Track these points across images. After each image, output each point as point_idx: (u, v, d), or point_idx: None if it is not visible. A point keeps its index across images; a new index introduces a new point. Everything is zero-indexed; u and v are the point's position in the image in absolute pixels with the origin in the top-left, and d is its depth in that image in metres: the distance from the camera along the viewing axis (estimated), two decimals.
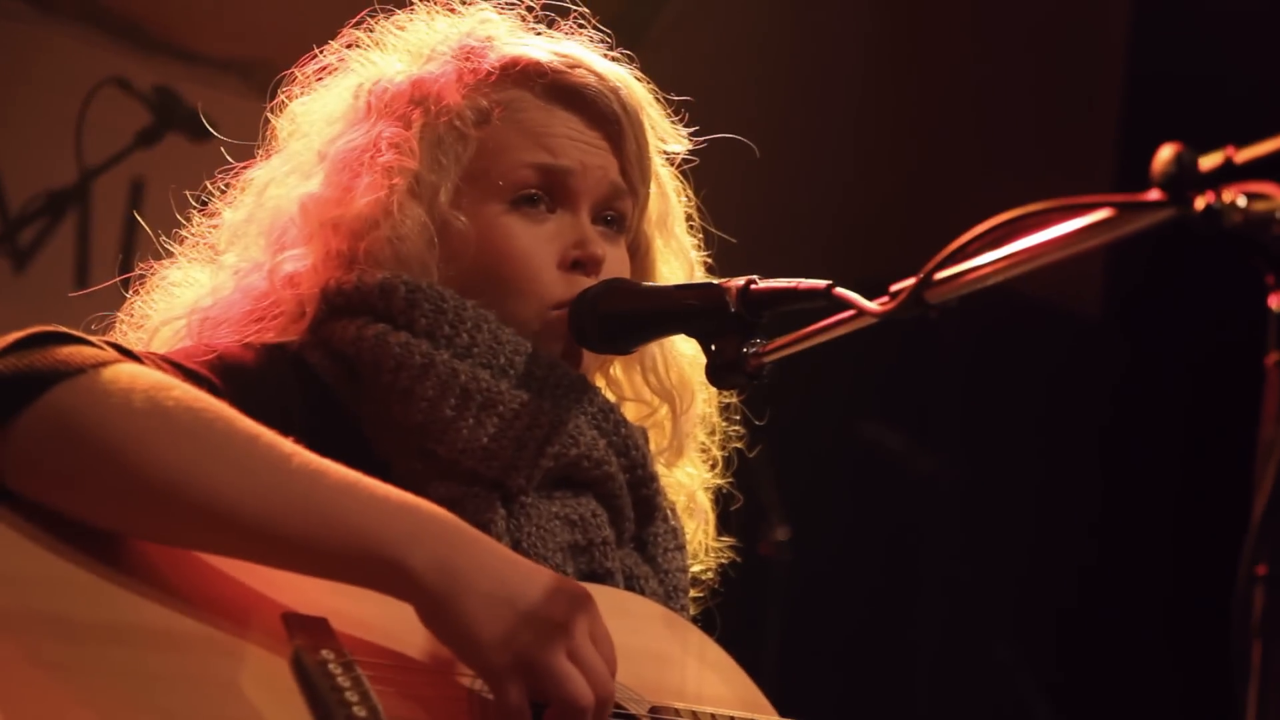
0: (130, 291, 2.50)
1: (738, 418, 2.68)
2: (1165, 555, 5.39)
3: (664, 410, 2.60)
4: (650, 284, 2.52)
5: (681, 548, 2.51)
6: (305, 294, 2.36)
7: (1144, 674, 5.35)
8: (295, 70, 2.54)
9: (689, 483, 2.62)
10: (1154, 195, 1.70)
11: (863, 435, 5.44)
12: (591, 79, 2.45)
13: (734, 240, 2.67)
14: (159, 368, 2.09)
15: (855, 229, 5.74)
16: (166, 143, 5.22)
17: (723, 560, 2.66)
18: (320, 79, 2.53)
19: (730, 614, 2.67)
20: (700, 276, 2.61)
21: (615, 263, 2.46)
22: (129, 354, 2.04)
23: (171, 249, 2.53)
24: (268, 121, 2.54)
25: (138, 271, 2.50)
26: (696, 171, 2.63)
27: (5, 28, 5.32)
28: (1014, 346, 5.49)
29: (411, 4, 2.57)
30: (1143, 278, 5.38)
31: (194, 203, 2.54)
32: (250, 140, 2.57)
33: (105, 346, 2.01)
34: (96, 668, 1.89)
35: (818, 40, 5.86)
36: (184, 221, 2.53)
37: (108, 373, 1.96)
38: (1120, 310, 5.67)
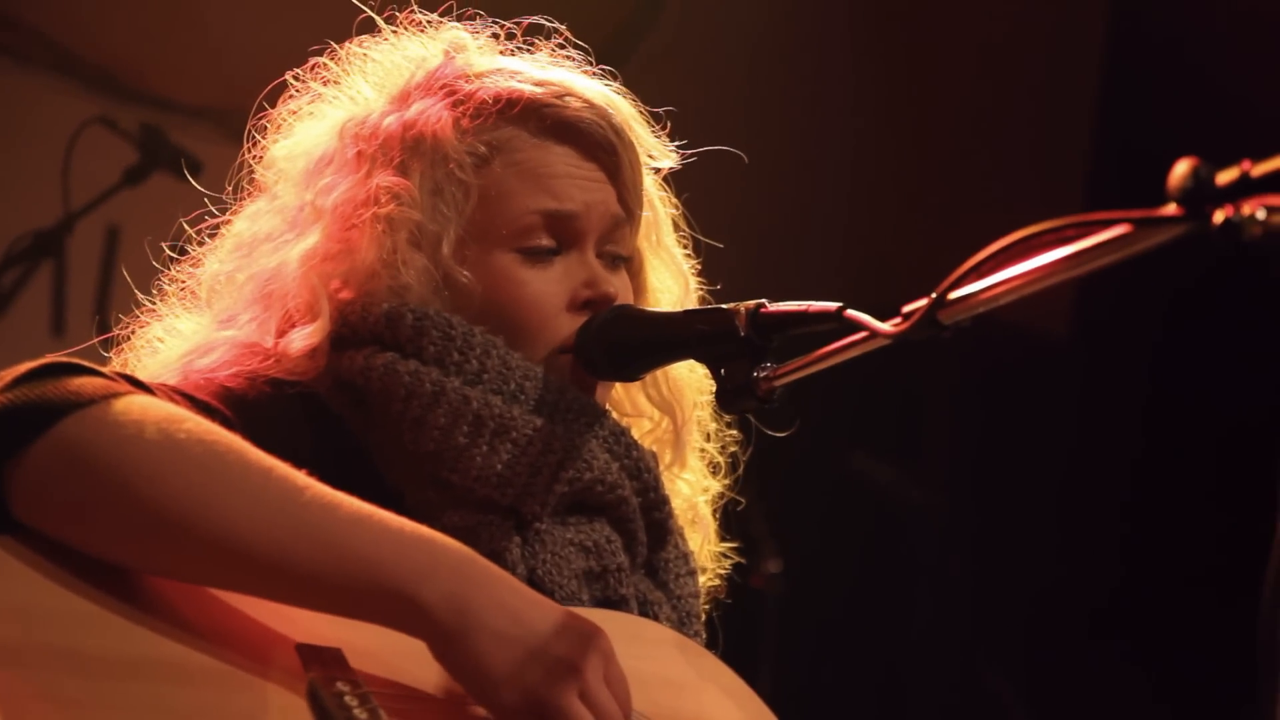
0: (110, 352, 2.46)
1: (729, 420, 2.67)
2: (1156, 583, 5.40)
3: (666, 423, 2.59)
4: (658, 310, 2.51)
5: (693, 573, 2.50)
6: (320, 361, 2.32)
7: (1136, 703, 5.36)
8: (269, 111, 2.50)
9: (689, 492, 2.61)
10: (1171, 210, 1.70)
11: (852, 467, 5.45)
12: (584, 109, 2.43)
13: (720, 245, 2.65)
14: (170, 399, 2.07)
15: (849, 244, 5.78)
16: (143, 189, 5.20)
17: (724, 570, 2.64)
18: (296, 116, 2.50)
19: (723, 646, 2.66)
20: (693, 283, 2.61)
21: (622, 295, 2.45)
22: (141, 385, 2.03)
23: (151, 303, 2.49)
24: (244, 167, 2.50)
25: (117, 329, 2.47)
26: (689, 182, 2.61)
27: None
28: (986, 371, 5.51)
29: (378, 29, 2.52)
30: (1111, 298, 5.40)
31: (170, 251, 2.50)
32: (226, 186, 2.54)
33: (117, 378, 1.99)
34: (113, 703, 1.87)
35: (807, 58, 5.90)
36: (160, 269, 2.50)
37: (119, 404, 1.94)
38: (1088, 332, 5.69)
